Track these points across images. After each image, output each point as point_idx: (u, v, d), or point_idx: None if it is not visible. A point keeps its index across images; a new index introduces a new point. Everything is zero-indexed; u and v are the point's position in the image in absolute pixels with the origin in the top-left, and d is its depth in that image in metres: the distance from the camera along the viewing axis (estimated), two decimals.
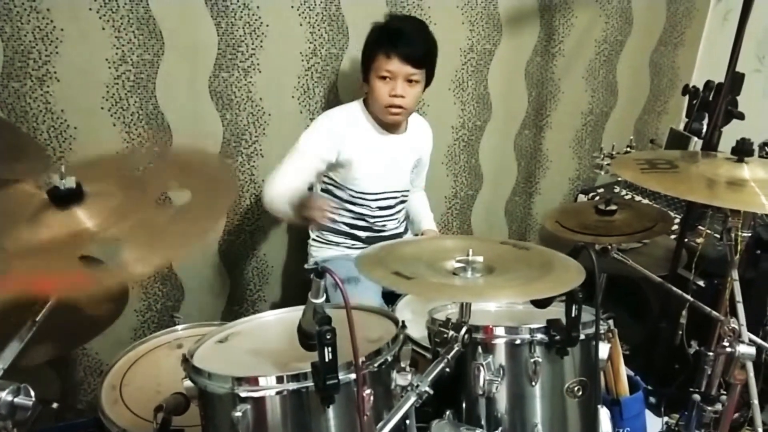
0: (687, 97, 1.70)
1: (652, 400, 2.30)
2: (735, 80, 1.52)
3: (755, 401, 1.15)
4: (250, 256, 2.34)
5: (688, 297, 1.43)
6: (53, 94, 1.88)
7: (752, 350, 1.13)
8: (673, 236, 2.00)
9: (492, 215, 2.76)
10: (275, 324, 1.27)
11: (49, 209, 0.92)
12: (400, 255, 1.18)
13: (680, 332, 1.83)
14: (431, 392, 0.97)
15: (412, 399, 0.93)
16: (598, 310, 1.05)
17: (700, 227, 1.93)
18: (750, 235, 1.67)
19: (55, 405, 1.92)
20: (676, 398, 2.00)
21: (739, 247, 1.68)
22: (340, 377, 0.95)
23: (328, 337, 0.90)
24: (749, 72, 2.66)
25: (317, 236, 2.10)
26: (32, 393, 0.80)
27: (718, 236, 1.87)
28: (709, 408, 1.47)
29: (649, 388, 1.88)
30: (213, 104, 2.08)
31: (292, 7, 2.06)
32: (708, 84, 1.64)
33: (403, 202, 2.12)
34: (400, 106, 1.89)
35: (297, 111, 2.19)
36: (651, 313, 1.95)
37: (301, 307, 1.07)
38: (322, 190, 2.05)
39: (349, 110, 2.00)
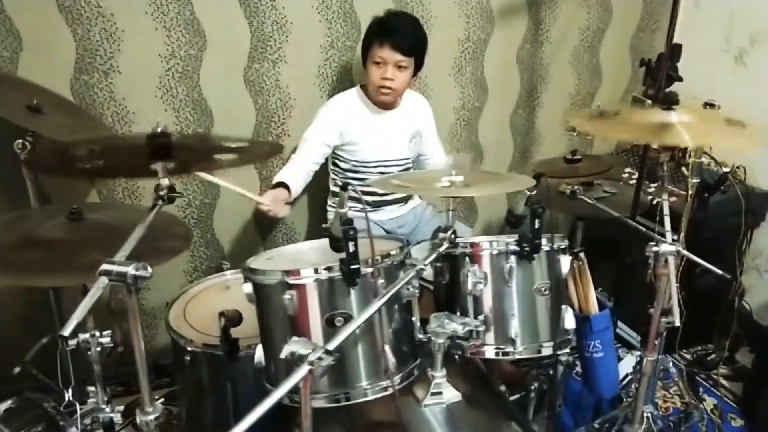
0: (644, 68, 2.01)
1: (636, 342, 2.61)
2: (673, 50, 1.84)
3: (675, 293, 1.42)
4: (280, 224, 2.69)
5: (638, 226, 1.72)
6: (116, 85, 2.23)
7: (672, 248, 1.44)
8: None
9: None
10: (308, 248, 1.64)
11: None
12: (404, 178, 1.54)
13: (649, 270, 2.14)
14: (425, 269, 1.31)
15: (412, 273, 1.26)
16: (543, 215, 1.37)
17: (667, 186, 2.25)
18: (698, 181, 2.00)
19: (120, 348, 2.28)
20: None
21: (689, 192, 2.01)
22: (361, 269, 1.29)
23: (351, 233, 1.24)
24: (719, 52, 2.96)
25: (333, 203, 2.46)
26: (149, 268, 1.15)
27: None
28: (664, 319, 1.73)
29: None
30: (247, 91, 2.43)
31: (312, 6, 2.40)
32: (659, 56, 1.95)
33: (405, 169, 2.42)
34: (389, 88, 2.23)
35: (318, 96, 2.53)
36: (623, 253, 2.27)
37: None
38: (332, 163, 2.41)
39: (347, 96, 2.35)
